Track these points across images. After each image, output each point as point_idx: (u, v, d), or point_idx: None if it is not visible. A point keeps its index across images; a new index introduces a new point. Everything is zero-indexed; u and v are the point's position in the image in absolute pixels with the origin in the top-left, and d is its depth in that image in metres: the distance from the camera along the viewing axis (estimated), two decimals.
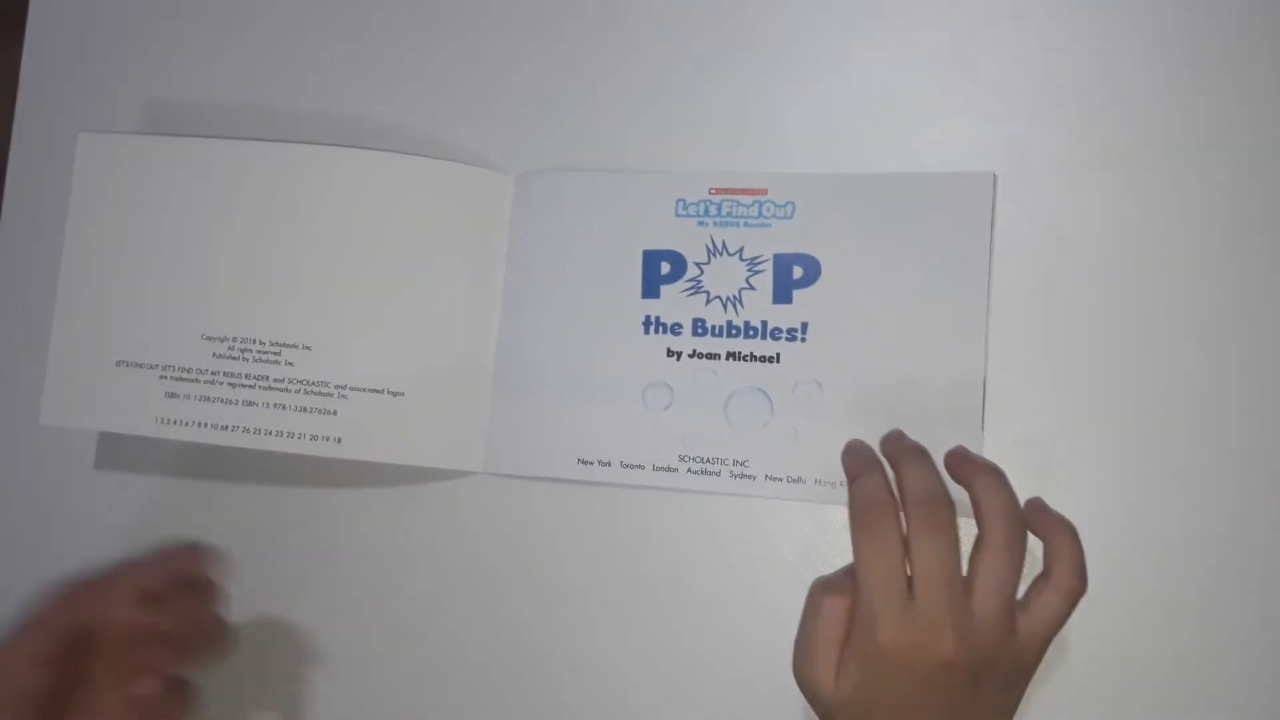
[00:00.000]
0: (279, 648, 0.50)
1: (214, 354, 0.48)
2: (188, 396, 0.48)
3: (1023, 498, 0.45)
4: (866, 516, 0.38)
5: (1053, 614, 0.37)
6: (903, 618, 0.35)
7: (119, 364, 0.48)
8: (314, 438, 0.47)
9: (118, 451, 0.52)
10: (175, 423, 0.48)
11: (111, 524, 0.51)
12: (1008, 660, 0.36)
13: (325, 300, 0.48)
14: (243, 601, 0.50)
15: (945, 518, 0.37)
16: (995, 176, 0.45)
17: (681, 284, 0.47)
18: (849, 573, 0.38)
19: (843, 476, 0.44)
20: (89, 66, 0.54)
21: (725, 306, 0.47)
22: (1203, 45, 0.45)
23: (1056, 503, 0.44)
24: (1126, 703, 0.43)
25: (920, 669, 0.35)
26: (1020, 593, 0.37)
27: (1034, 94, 0.46)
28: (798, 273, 0.46)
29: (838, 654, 0.37)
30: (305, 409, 0.47)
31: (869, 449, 0.43)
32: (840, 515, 0.46)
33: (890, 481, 0.40)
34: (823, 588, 0.38)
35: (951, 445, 0.44)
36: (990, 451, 0.44)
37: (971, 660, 0.35)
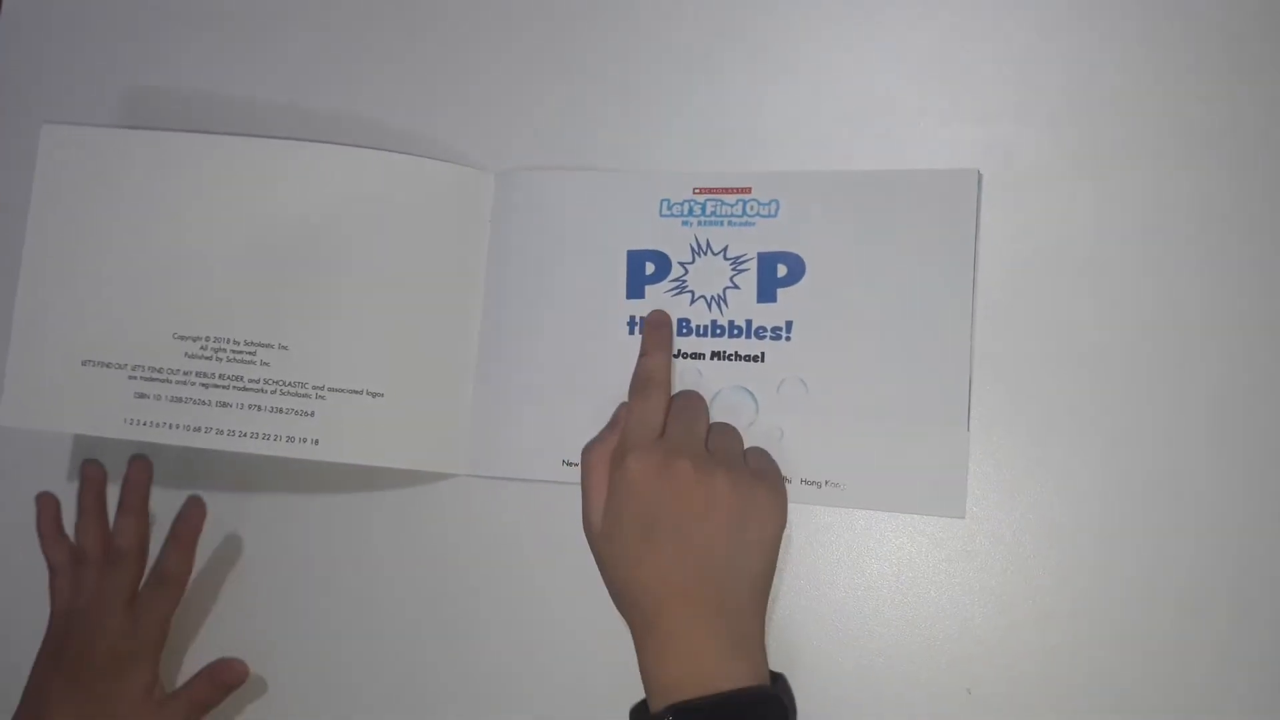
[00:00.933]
0: (256, 657, 0.48)
1: (186, 353, 0.46)
2: (158, 397, 0.46)
3: (1009, 499, 0.45)
4: (644, 385, 0.44)
5: (767, 458, 0.44)
6: (650, 446, 0.41)
7: (85, 363, 0.47)
8: (290, 439, 0.46)
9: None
10: (145, 424, 0.46)
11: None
12: (739, 494, 0.40)
13: (302, 299, 0.47)
14: (218, 605, 0.49)
15: (703, 403, 0.45)
16: (980, 174, 0.45)
17: (666, 284, 0.47)
18: (611, 427, 0.44)
19: (829, 476, 0.44)
20: (60, 59, 0.53)
21: (710, 306, 0.46)
22: (1190, 45, 0.45)
23: (1042, 501, 0.44)
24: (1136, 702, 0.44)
25: (662, 492, 0.40)
26: None
27: (1019, 93, 0.46)
28: (782, 271, 0.46)
29: (605, 495, 0.42)
30: (281, 410, 0.46)
31: (668, 328, 0.46)
32: (828, 515, 0.46)
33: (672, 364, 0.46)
34: (589, 444, 0.44)
35: (937, 445, 0.44)
36: (977, 451, 0.44)
37: (706, 483, 0.40)
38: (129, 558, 0.47)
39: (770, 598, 0.42)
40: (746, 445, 0.45)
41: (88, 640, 0.46)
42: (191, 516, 0.49)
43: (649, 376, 0.44)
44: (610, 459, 0.42)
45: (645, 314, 0.47)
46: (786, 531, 0.43)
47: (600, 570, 0.42)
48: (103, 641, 0.45)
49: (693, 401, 0.44)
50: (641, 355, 0.45)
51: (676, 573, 0.40)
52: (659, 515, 0.40)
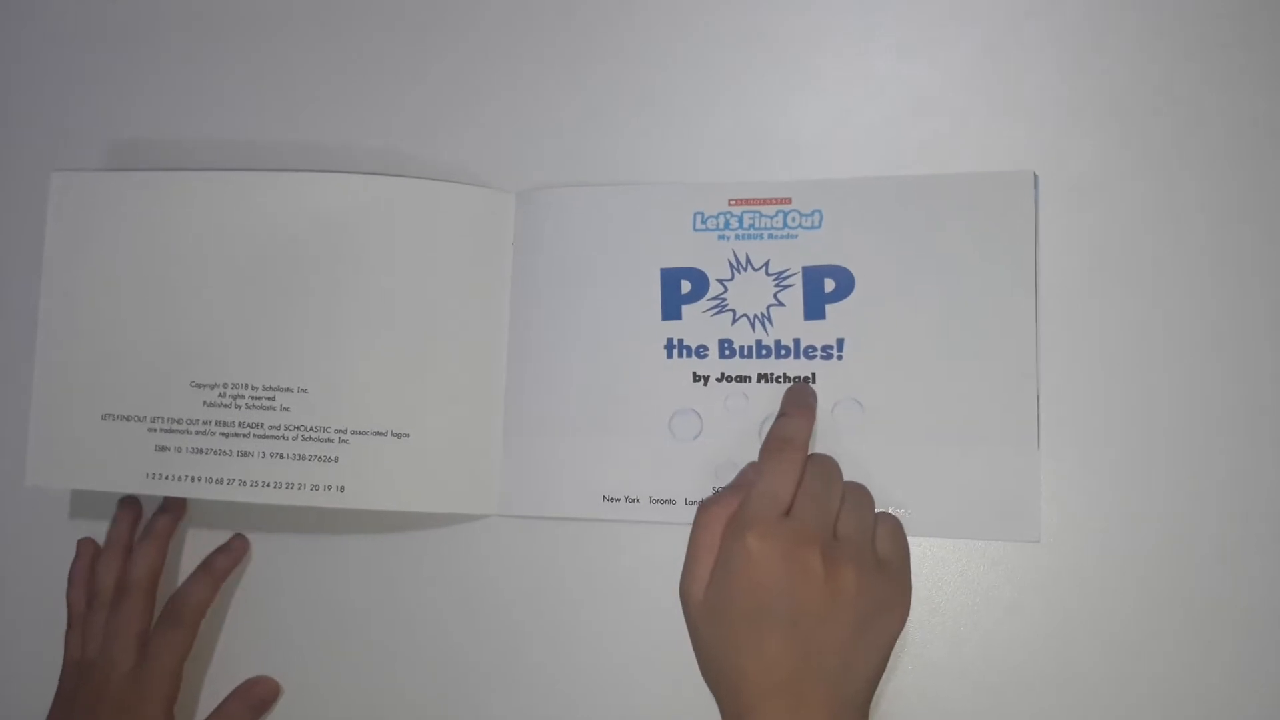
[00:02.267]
0: (283, 702, 0.46)
1: (205, 402, 0.45)
2: (179, 449, 0.44)
3: (1086, 513, 0.41)
4: (779, 446, 0.40)
5: (899, 542, 0.40)
6: (777, 526, 0.37)
7: (105, 417, 0.45)
8: (315, 488, 0.43)
9: (94, 499, 0.49)
10: (167, 478, 0.44)
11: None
12: (866, 594, 0.37)
13: (319, 339, 0.44)
14: (246, 653, 0.47)
15: (838, 471, 0.41)
16: (1036, 176, 0.42)
17: (704, 303, 0.44)
18: (734, 488, 0.40)
19: (893, 503, 0.42)
20: (51, 107, 0.51)
21: (753, 325, 0.43)
22: (1247, 41, 0.42)
23: (1128, 515, 0.41)
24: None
25: (783, 577, 0.37)
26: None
27: (1071, 90, 0.43)
28: (829, 286, 0.43)
29: (713, 563, 0.38)
30: (304, 456, 0.44)
31: (813, 394, 0.43)
32: None
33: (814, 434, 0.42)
34: (706, 503, 0.40)
35: (1006, 464, 0.41)
36: (1049, 468, 0.41)
37: (832, 580, 0.37)
38: (138, 589, 0.46)
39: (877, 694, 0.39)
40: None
41: (96, 694, 0.44)
42: (234, 551, 0.47)
43: (788, 438, 0.40)
44: (728, 525, 0.38)
45: (683, 335, 0.44)
46: None
47: (693, 641, 0.39)
48: (110, 695, 0.44)
49: (828, 472, 0.40)
50: (780, 416, 0.42)
51: (783, 668, 0.36)
52: (774, 605, 0.36)
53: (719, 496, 0.40)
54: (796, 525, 0.38)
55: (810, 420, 0.42)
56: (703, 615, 0.38)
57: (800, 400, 0.42)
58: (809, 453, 0.41)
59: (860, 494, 0.41)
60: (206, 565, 0.47)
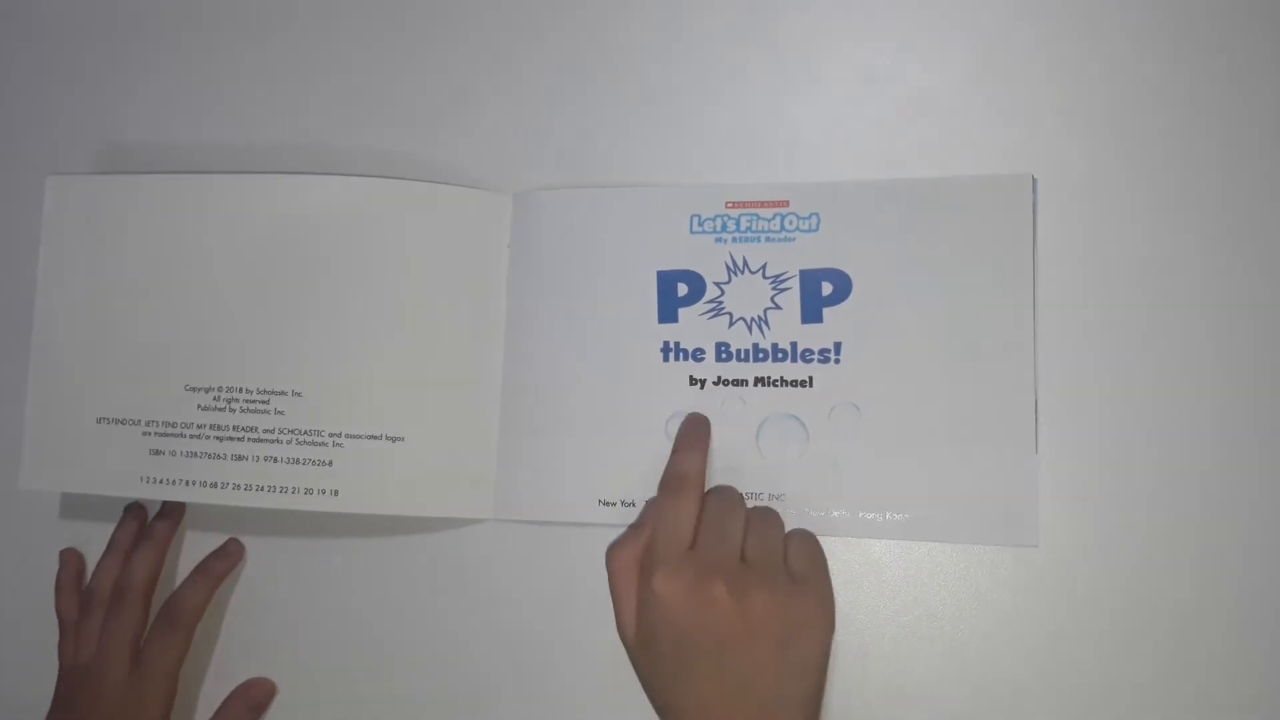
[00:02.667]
0: (281, 705, 0.46)
1: (199, 405, 0.44)
2: (173, 453, 0.44)
3: (1084, 518, 0.41)
4: (675, 484, 0.41)
5: (814, 556, 0.40)
6: (680, 564, 0.38)
7: (100, 420, 0.45)
8: (309, 491, 0.43)
9: (85, 500, 0.49)
10: (161, 482, 0.44)
11: None
12: (780, 615, 0.37)
13: (314, 341, 0.44)
14: (243, 656, 0.46)
15: (739, 499, 0.41)
16: (1035, 178, 0.42)
17: (701, 306, 0.44)
18: (637, 528, 0.40)
19: (891, 507, 0.41)
20: (45, 110, 0.51)
21: (750, 328, 0.43)
22: (1242, 43, 0.42)
23: (1126, 519, 0.41)
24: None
25: (694, 613, 0.37)
26: None
27: (1068, 92, 0.43)
28: (827, 289, 0.43)
29: (635, 603, 0.39)
30: (298, 460, 0.43)
31: (707, 427, 0.43)
32: (884, 547, 0.42)
33: (709, 464, 0.42)
34: (613, 546, 0.40)
35: (1004, 469, 0.40)
36: (1047, 473, 0.41)
37: (743, 607, 0.36)
38: (135, 593, 0.45)
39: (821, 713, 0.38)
40: (794, 478, 0.41)
41: (93, 698, 0.44)
42: (230, 555, 0.47)
43: (682, 475, 0.41)
44: (638, 565, 0.39)
45: (680, 338, 0.44)
46: (848, 570, 0.40)
47: (638, 677, 0.39)
48: (107, 699, 0.44)
49: (727, 502, 0.40)
50: (675, 452, 0.42)
51: (717, 703, 0.36)
52: (695, 640, 0.37)
53: (624, 538, 0.40)
54: (699, 559, 0.38)
55: (704, 453, 0.42)
56: (637, 654, 0.39)
57: (694, 434, 0.42)
58: (707, 486, 0.41)
59: (765, 515, 0.40)
60: (202, 569, 0.47)
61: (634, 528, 0.41)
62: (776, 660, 0.37)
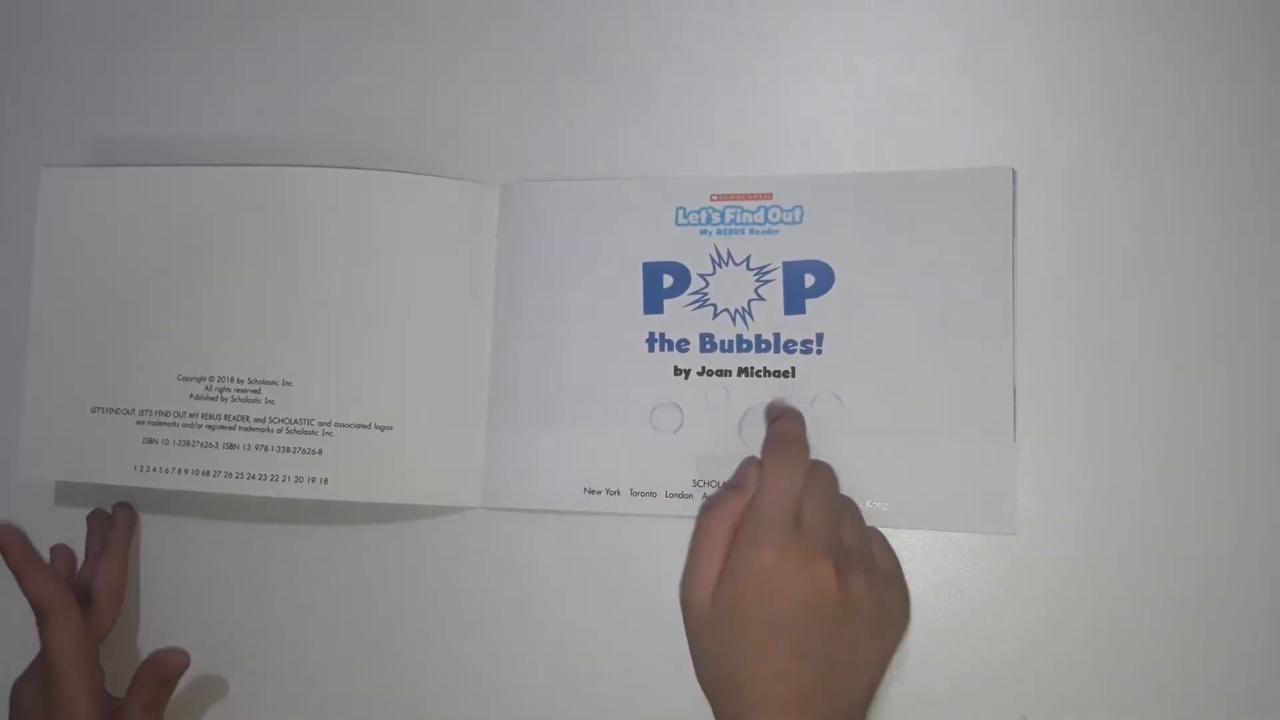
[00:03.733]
0: (268, 694, 0.47)
1: (191, 395, 0.45)
2: (166, 441, 0.45)
3: (1062, 506, 0.42)
4: (786, 444, 0.40)
5: (891, 553, 0.41)
6: (792, 540, 0.37)
7: (95, 410, 0.46)
8: (299, 479, 0.44)
9: (78, 488, 0.49)
10: (154, 470, 0.45)
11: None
12: (875, 604, 0.38)
13: (304, 332, 0.45)
14: (229, 643, 0.47)
15: (837, 479, 0.41)
16: (1014, 171, 0.42)
17: (686, 297, 0.44)
18: (734, 488, 0.40)
19: (872, 496, 0.42)
20: (38, 103, 0.51)
21: (734, 319, 0.44)
22: (1227, 37, 0.42)
23: (1104, 508, 0.41)
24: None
25: (799, 590, 0.36)
26: None
27: (1051, 86, 0.43)
28: (809, 281, 0.43)
29: (719, 571, 0.37)
30: (289, 449, 0.44)
31: (799, 413, 0.42)
32: None
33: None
34: (708, 505, 0.39)
35: (983, 457, 0.41)
36: (1025, 462, 0.41)
37: (846, 591, 0.36)
38: (56, 609, 0.44)
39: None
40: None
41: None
42: (124, 518, 0.48)
43: (794, 438, 0.40)
44: (731, 529, 0.38)
45: (665, 329, 0.44)
46: None
47: (693, 647, 0.38)
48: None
49: (829, 481, 0.40)
50: (776, 419, 0.42)
51: (793, 678, 0.36)
52: (789, 618, 0.36)
53: (722, 498, 0.39)
54: (810, 538, 0.37)
55: (803, 421, 0.42)
56: (708, 622, 0.37)
57: (784, 404, 0.42)
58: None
59: (853, 506, 0.41)
60: (106, 543, 0.47)
61: (732, 488, 0.40)
62: (861, 648, 0.37)
